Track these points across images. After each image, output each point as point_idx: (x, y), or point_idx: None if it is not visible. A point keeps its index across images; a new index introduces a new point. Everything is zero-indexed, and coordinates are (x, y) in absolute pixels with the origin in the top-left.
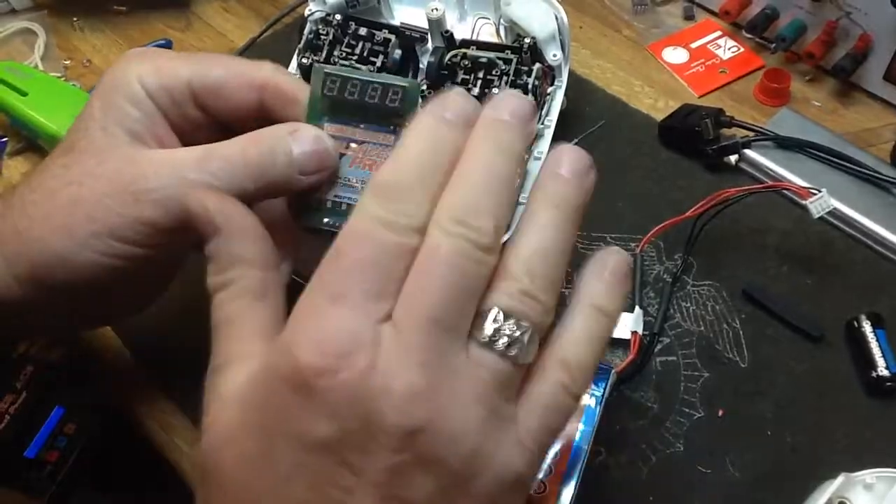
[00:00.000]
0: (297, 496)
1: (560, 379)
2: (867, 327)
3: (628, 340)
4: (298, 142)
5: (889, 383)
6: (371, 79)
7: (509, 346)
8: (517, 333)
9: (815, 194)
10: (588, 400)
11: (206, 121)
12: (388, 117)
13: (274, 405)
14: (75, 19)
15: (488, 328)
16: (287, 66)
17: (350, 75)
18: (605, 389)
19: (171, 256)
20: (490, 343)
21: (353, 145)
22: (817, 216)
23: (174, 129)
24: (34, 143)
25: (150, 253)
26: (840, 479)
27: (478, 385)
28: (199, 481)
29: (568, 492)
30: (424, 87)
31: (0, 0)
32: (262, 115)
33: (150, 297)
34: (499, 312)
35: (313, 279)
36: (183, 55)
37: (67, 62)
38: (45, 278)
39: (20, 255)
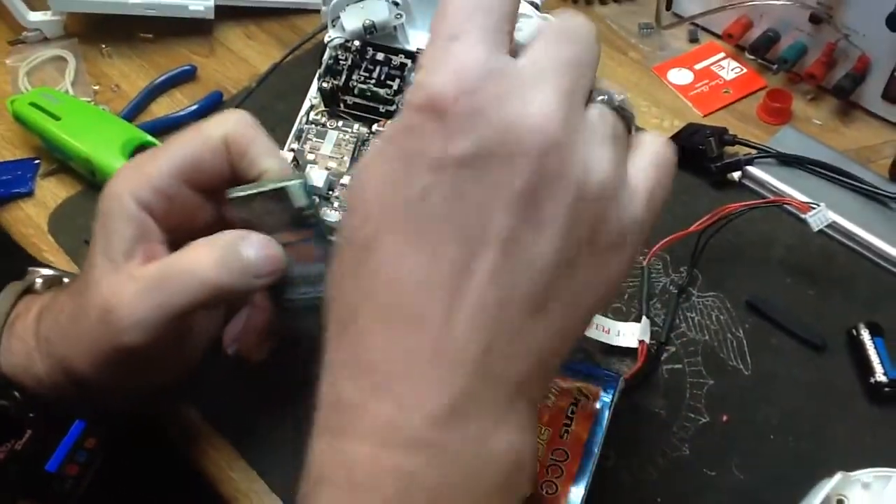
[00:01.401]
0: (433, 210)
1: (659, 144)
2: (866, 336)
3: (636, 349)
4: (251, 245)
5: (887, 388)
6: (259, 190)
7: (623, 108)
8: (626, 103)
9: (814, 209)
10: (598, 405)
11: (203, 196)
12: (297, 215)
13: (412, 131)
14: (104, 46)
15: (605, 94)
16: (307, 89)
17: (239, 193)
18: (614, 396)
19: (183, 343)
20: (609, 101)
21: (286, 247)
22: (817, 229)
23: (179, 219)
24: (66, 165)
25: (152, 356)
26: (837, 476)
27: (605, 129)
28: (346, 215)
29: (578, 492)
30: None
31: (33, 29)
32: (234, 175)
33: (178, 373)
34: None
35: (431, 31)
36: (163, 147)
37: (97, 87)
38: (69, 378)
39: (50, 356)
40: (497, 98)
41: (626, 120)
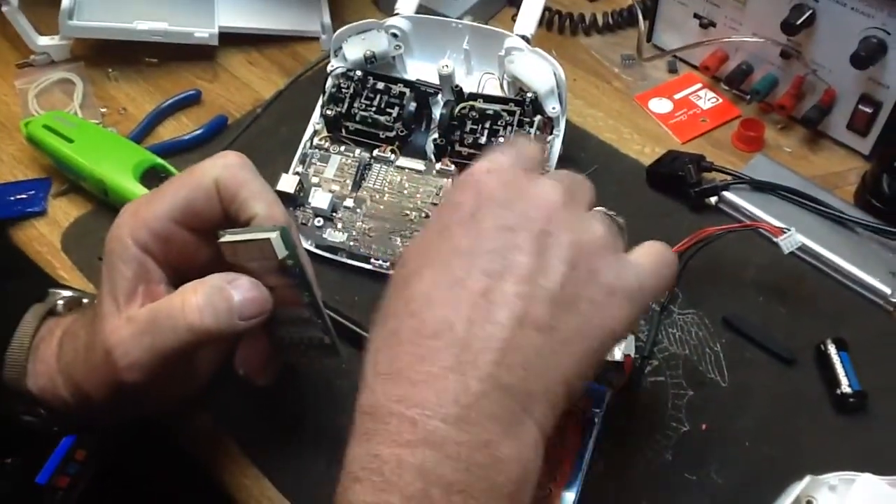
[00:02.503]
0: (463, 249)
1: (660, 244)
2: (833, 350)
3: (622, 363)
4: (237, 289)
5: (852, 399)
6: (242, 238)
7: (615, 216)
8: (617, 216)
9: (785, 233)
10: (589, 416)
11: (200, 237)
12: (280, 263)
13: (451, 200)
14: (110, 70)
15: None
16: (309, 114)
17: (226, 238)
18: (603, 407)
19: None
20: (603, 209)
21: (273, 290)
22: (787, 252)
23: (178, 259)
24: (77, 185)
25: (155, 387)
26: (806, 479)
27: (600, 216)
28: (398, 263)
29: (570, 495)
30: (435, 140)
31: (40, 53)
32: (226, 218)
33: (187, 391)
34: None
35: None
36: (160, 190)
37: (104, 110)
38: (87, 401)
39: (70, 380)
40: (524, 181)
41: (617, 223)
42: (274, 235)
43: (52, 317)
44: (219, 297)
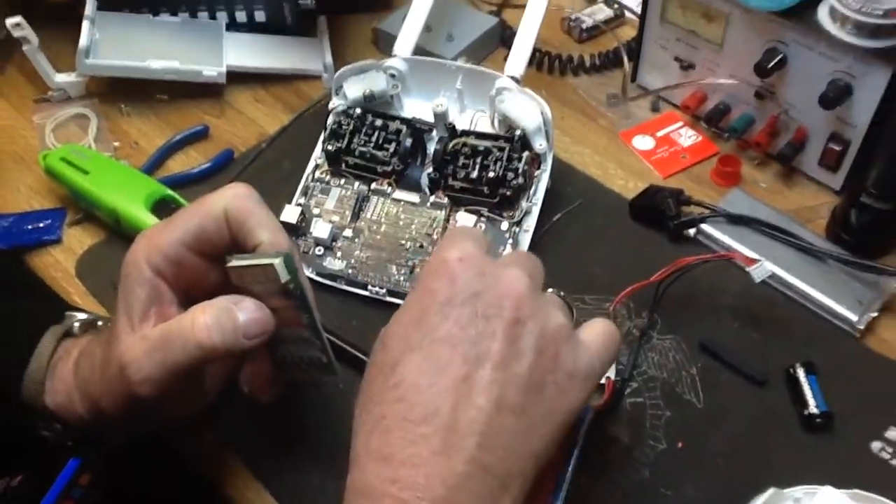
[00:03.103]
0: (443, 337)
1: (606, 323)
2: (802, 374)
3: (604, 385)
4: (243, 310)
5: (819, 419)
6: (248, 263)
7: (567, 298)
8: (567, 297)
9: (756, 263)
10: (571, 434)
11: (209, 262)
12: (282, 286)
13: (428, 287)
14: (123, 106)
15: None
16: (311, 149)
17: (233, 263)
18: (584, 425)
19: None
20: (556, 292)
21: (276, 312)
22: (758, 281)
23: (189, 282)
24: (91, 215)
25: (167, 401)
26: (770, 491)
27: (557, 301)
28: (377, 348)
29: None
30: (430, 174)
31: (57, 89)
32: (234, 244)
33: (195, 404)
34: None
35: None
36: (173, 218)
37: (117, 144)
38: (103, 415)
39: (86, 396)
40: (490, 267)
41: (568, 304)
42: (277, 261)
43: (68, 338)
44: (226, 317)
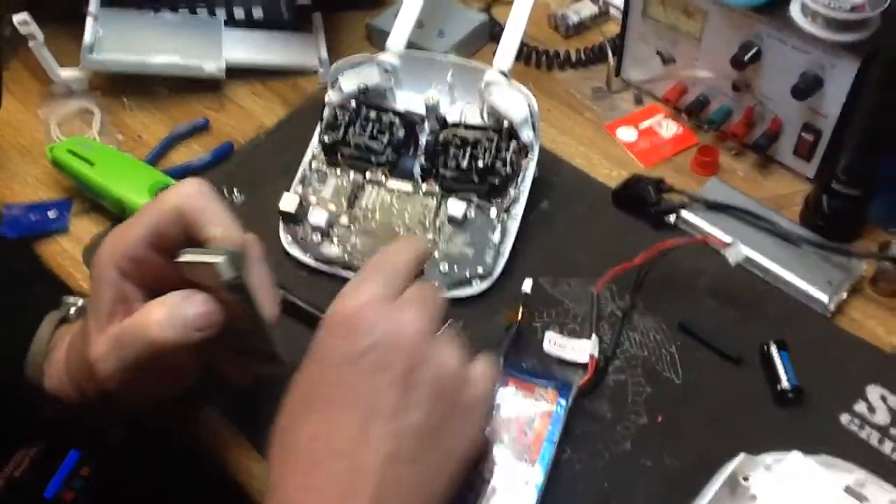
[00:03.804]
0: (341, 391)
1: (493, 359)
2: (775, 351)
3: (587, 363)
4: (192, 304)
5: (790, 394)
6: (195, 259)
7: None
8: (462, 334)
9: (730, 246)
10: (555, 408)
11: (171, 259)
12: (228, 283)
13: (325, 340)
14: (126, 100)
15: (447, 325)
16: (308, 141)
17: (181, 259)
18: (568, 400)
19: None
20: (452, 328)
21: (224, 304)
22: (733, 263)
23: (153, 280)
24: (97, 204)
25: (139, 388)
26: (740, 457)
27: (452, 340)
28: (282, 407)
29: (538, 477)
30: (422, 164)
31: (61, 84)
32: (189, 240)
33: (176, 388)
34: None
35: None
36: (132, 219)
37: (120, 136)
38: (90, 401)
39: (75, 384)
40: (385, 315)
41: (463, 339)
42: (220, 260)
43: (64, 324)
44: (175, 312)
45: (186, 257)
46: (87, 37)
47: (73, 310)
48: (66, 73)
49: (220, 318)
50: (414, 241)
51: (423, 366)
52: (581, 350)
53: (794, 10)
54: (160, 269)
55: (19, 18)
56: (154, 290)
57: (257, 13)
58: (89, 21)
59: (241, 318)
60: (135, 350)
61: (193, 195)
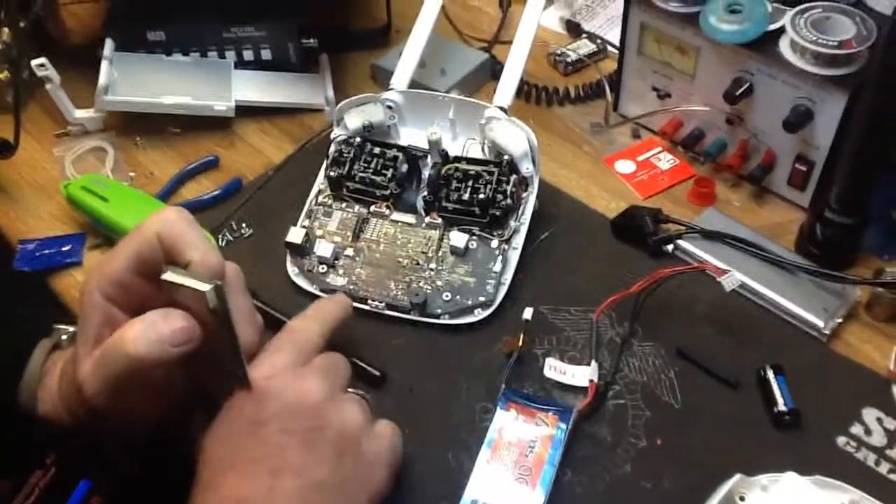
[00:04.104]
0: (251, 451)
1: (394, 429)
2: (771, 375)
3: (587, 388)
4: (169, 321)
5: (787, 416)
6: (181, 282)
7: (365, 396)
8: (365, 395)
9: (727, 273)
10: (556, 432)
11: (154, 283)
12: (209, 311)
13: (234, 406)
14: (138, 139)
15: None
16: (315, 176)
17: (166, 277)
18: (568, 424)
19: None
20: (356, 392)
21: (205, 326)
22: (729, 290)
23: (138, 304)
24: (110, 239)
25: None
26: (736, 477)
27: (354, 399)
28: (199, 467)
29: (539, 499)
30: (425, 197)
31: (77, 123)
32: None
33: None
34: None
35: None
36: (118, 245)
37: (132, 174)
38: (83, 424)
39: (68, 408)
40: (292, 383)
41: (366, 399)
42: (208, 290)
43: (56, 350)
44: (151, 329)
45: (171, 276)
46: (102, 79)
47: (64, 337)
48: (81, 114)
49: (198, 336)
50: (331, 306)
51: (326, 426)
52: (581, 376)
53: (784, 46)
54: (146, 293)
55: (37, 62)
56: (140, 314)
57: (266, 55)
58: (104, 64)
59: (217, 340)
60: (116, 366)
61: (172, 221)
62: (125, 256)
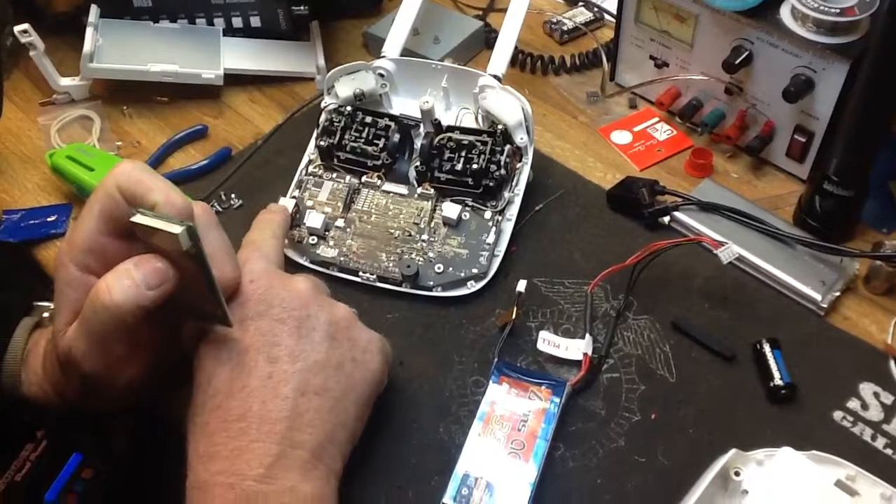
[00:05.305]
0: (245, 344)
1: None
2: (767, 349)
3: (580, 361)
4: (141, 265)
5: (783, 391)
6: (152, 224)
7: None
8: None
9: (723, 245)
10: (549, 405)
11: (127, 241)
12: (183, 252)
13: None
14: (125, 108)
15: None
16: (305, 146)
17: (136, 219)
18: (561, 399)
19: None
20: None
21: (182, 269)
22: (726, 262)
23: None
24: None
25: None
26: (731, 452)
27: (341, 304)
28: (195, 374)
29: (532, 473)
30: (417, 168)
31: (62, 92)
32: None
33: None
34: None
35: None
36: (82, 212)
37: (119, 143)
38: (70, 399)
39: (54, 384)
40: (279, 281)
41: (351, 310)
42: (181, 231)
43: (38, 329)
44: (123, 276)
45: (140, 218)
46: (87, 46)
47: (46, 314)
48: (67, 82)
49: (173, 276)
50: (271, 215)
51: (318, 312)
52: (575, 349)
53: (785, 14)
54: (120, 253)
55: (20, 28)
56: None
57: (255, 22)
58: (89, 31)
59: (193, 281)
60: (96, 322)
61: (128, 171)
62: (91, 219)
